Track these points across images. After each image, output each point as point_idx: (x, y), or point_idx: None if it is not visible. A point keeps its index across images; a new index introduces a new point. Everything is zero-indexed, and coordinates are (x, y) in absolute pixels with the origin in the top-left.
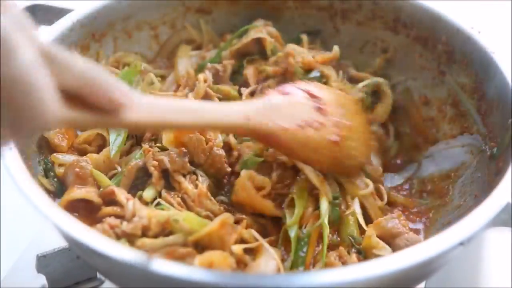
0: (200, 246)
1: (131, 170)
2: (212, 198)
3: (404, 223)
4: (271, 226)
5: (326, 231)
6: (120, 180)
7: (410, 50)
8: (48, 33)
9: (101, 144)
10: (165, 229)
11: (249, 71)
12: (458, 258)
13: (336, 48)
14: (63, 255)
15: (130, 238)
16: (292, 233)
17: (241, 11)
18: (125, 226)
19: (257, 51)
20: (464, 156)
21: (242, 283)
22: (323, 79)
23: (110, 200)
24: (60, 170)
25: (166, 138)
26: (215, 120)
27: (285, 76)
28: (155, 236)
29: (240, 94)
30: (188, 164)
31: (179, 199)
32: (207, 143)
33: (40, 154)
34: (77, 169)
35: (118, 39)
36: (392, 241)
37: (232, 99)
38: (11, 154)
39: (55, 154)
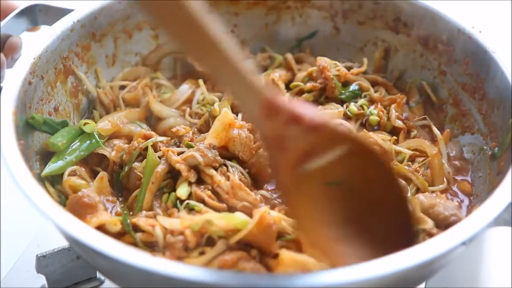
0: (244, 243)
1: (158, 176)
2: (247, 189)
3: (440, 196)
4: None
5: None
6: (146, 188)
7: (411, 50)
8: (48, 33)
9: None
10: (203, 233)
11: (274, 76)
12: (459, 258)
13: (365, 61)
14: (63, 255)
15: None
16: None
17: (241, 11)
18: (167, 255)
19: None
20: (465, 155)
21: (243, 283)
22: (362, 92)
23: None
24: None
25: (213, 130)
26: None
27: (324, 91)
28: (196, 246)
29: None
30: (219, 157)
31: (209, 192)
32: (254, 142)
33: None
34: (85, 199)
35: (118, 39)
36: (430, 211)
37: None
38: (12, 154)
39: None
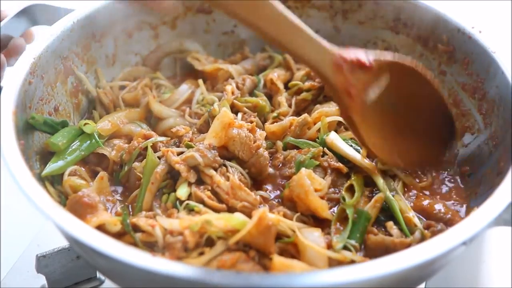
0: (243, 244)
1: (158, 177)
2: (246, 189)
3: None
4: (312, 225)
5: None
6: (145, 188)
7: (411, 50)
8: (48, 33)
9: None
10: (202, 234)
11: (273, 76)
12: (459, 258)
13: None
14: (63, 255)
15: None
16: (350, 213)
17: None
18: (167, 255)
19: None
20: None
21: (243, 283)
22: None
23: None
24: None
25: (213, 130)
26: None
27: (322, 89)
28: (195, 247)
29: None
30: (218, 157)
31: (209, 193)
32: (254, 142)
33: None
34: (85, 199)
35: (118, 39)
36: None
37: (260, 110)
38: (12, 154)
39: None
